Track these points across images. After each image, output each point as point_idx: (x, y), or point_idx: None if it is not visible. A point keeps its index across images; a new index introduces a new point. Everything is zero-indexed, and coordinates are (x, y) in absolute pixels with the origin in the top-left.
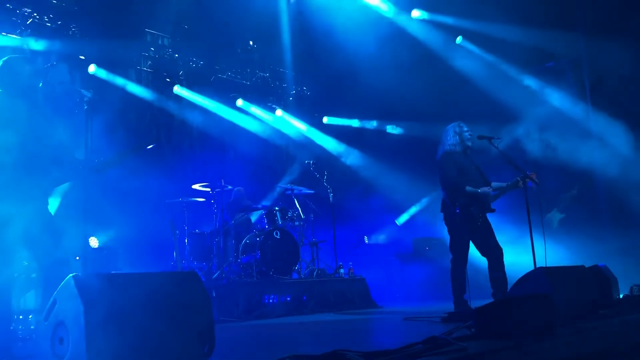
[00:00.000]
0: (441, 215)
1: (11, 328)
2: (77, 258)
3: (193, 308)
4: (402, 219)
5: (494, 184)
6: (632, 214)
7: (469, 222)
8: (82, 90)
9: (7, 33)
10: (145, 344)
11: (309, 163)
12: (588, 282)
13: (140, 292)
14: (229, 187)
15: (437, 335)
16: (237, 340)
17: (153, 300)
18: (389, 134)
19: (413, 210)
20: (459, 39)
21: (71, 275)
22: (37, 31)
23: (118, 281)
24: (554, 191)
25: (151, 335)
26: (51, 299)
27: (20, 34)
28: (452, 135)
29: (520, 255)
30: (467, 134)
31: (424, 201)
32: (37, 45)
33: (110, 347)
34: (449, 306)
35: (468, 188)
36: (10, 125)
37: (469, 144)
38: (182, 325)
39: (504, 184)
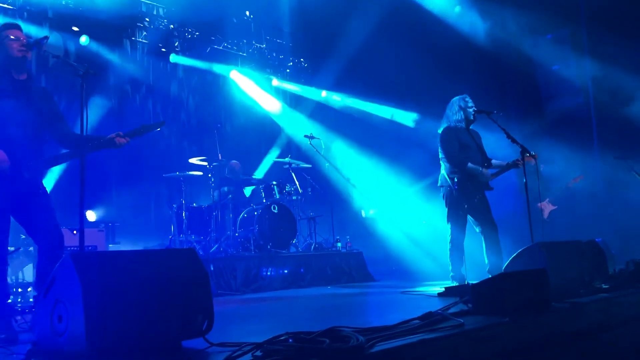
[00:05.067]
0: (439, 189)
1: (9, 302)
2: (75, 232)
3: (191, 285)
4: (402, 195)
5: (494, 161)
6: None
7: (466, 198)
8: (76, 64)
9: (2, 3)
10: (143, 321)
11: (307, 136)
12: (584, 256)
13: (138, 270)
14: (225, 160)
15: (434, 311)
16: (235, 316)
17: (151, 277)
18: (388, 109)
19: (413, 187)
20: (457, 9)
21: (69, 253)
22: (29, 1)
23: (116, 259)
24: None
25: (149, 312)
26: (50, 276)
27: (12, 4)
28: (457, 110)
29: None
30: (471, 110)
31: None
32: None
33: (108, 325)
34: (445, 280)
35: (470, 165)
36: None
37: (472, 119)
38: (180, 302)
39: (504, 163)
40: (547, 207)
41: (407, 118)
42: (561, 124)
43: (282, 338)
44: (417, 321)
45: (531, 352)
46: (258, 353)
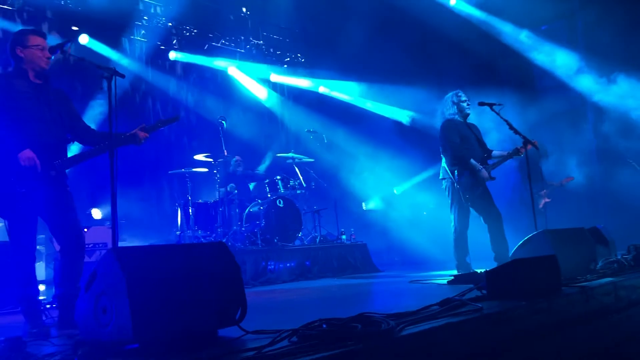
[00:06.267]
0: (440, 182)
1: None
2: (86, 230)
3: (224, 276)
4: (402, 188)
5: (494, 152)
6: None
7: (468, 190)
8: (103, 67)
9: (1, 4)
10: (182, 311)
11: (309, 131)
12: (588, 242)
13: (175, 263)
14: (230, 156)
15: (452, 297)
16: (260, 307)
17: (187, 270)
18: (384, 107)
19: (413, 180)
20: (452, 2)
21: (112, 249)
22: (28, 2)
23: (154, 253)
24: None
25: (187, 302)
26: (91, 271)
27: (11, 5)
28: (451, 106)
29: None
30: (464, 104)
31: (424, 173)
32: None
33: (152, 315)
34: (449, 270)
35: (472, 162)
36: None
37: (468, 112)
38: (215, 293)
39: (505, 152)
40: (543, 198)
41: (402, 115)
42: (557, 116)
43: (315, 324)
44: (436, 307)
45: (547, 334)
46: (294, 339)
